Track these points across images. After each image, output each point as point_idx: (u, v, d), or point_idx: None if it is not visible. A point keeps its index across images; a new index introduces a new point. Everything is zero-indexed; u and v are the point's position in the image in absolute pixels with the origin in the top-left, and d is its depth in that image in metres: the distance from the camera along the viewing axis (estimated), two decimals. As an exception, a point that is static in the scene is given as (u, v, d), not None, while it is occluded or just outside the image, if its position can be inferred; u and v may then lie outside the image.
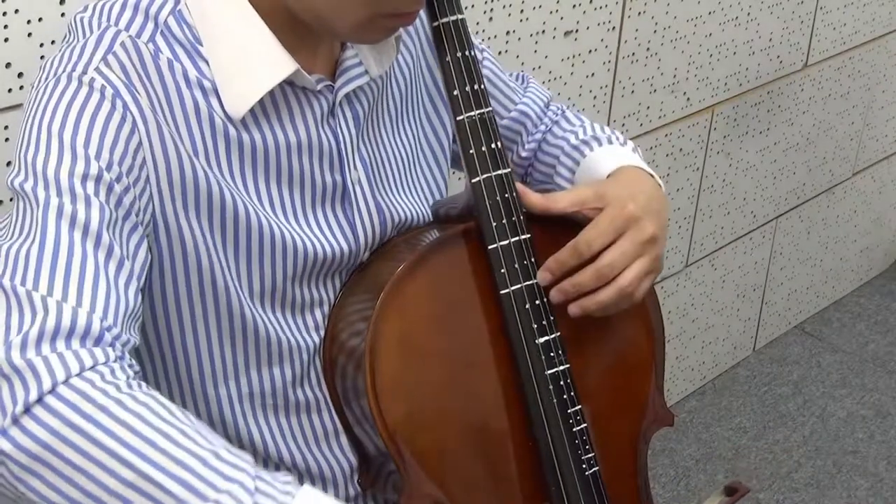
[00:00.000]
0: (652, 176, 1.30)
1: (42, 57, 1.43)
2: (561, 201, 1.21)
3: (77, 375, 0.92)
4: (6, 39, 1.40)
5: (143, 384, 0.96)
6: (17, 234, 1.01)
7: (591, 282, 1.18)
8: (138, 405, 0.93)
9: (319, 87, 1.15)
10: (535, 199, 1.20)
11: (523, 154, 1.43)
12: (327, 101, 1.17)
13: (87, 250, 0.99)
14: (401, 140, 1.28)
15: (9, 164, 1.46)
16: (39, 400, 0.91)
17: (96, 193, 1.01)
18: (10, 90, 1.43)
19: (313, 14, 1.09)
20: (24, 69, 1.43)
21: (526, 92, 1.44)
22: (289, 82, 1.13)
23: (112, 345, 0.97)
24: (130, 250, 1.04)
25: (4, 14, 1.39)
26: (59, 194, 1.00)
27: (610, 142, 1.36)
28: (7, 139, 1.44)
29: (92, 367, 0.93)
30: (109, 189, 1.02)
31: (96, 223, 1.00)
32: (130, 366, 0.97)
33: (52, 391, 0.91)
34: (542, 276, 1.19)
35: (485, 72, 1.38)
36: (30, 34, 1.42)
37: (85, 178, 1.01)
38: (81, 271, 0.98)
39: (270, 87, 1.10)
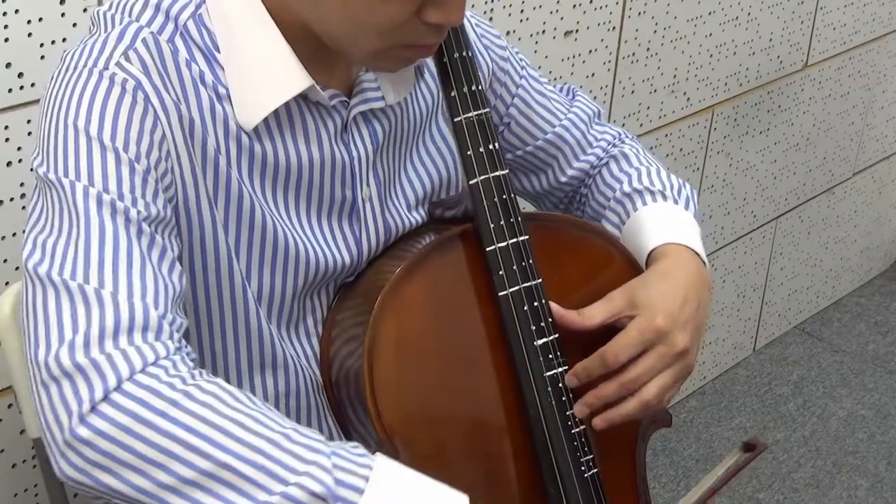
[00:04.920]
0: (697, 253, 1.28)
1: (42, 57, 1.43)
2: (596, 317, 1.21)
3: (142, 371, 0.94)
4: (6, 39, 1.40)
5: (205, 372, 0.98)
6: (57, 226, 1.01)
7: (615, 395, 1.18)
8: (205, 395, 0.95)
9: (333, 102, 1.15)
10: (571, 319, 1.20)
11: (562, 179, 1.41)
12: (341, 118, 1.17)
13: (131, 238, 1.00)
14: (419, 161, 1.28)
15: (9, 164, 1.46)
16: (106, 398, 0.93)
17: (131, 188, 1.02)
18: (10, 90, 1.43)
19: (331, 38, 1.09)
20: (24, 69, 1.43)
21: (570, 111, 1.41)
22: (303, 96, 1.13)
23: (170, 334, 0.98)
24: (166, 239, 1.05)
25: (4, 14, 1.39)
26: (94, 184, 1.01)
27: (664, 195, 1.33)
28: (7, 139, 1.45)
29: (155, 362, 0.95)
30: (144, 181, 1.03)
31: (135, 213, 1.01)
32: (188, 354, 0.99)
33: (118, 388, 0.93)
34: (570, 381, 1.19)
35: (520, 91, 1.36)
36: (30, 34, 1.42)
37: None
38: (129, 260, 0.99)
39: (283, 101, 1.10)
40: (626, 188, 1.35)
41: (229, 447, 0.93)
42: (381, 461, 0.97)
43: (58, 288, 0.97)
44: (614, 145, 1.42)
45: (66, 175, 1.01)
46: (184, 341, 1.00)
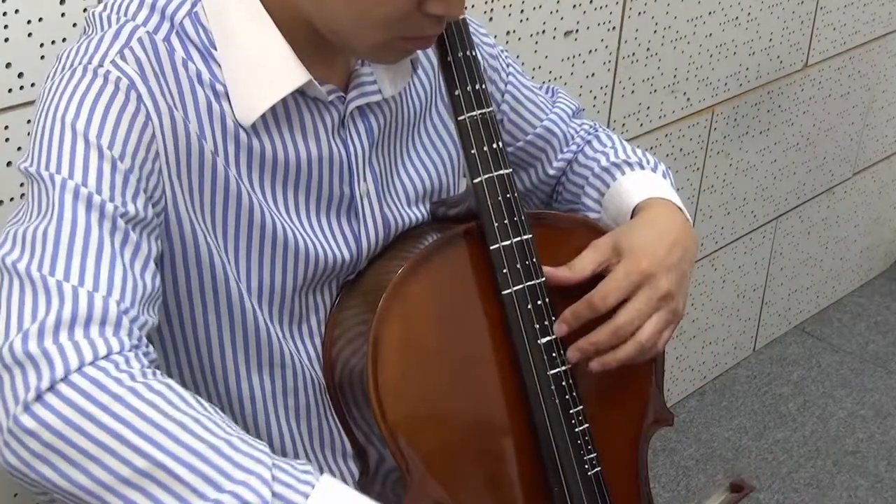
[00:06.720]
0: (680, 209, 1.30)
1: (42, 57, 1.43)
2: (587, 267, 1.22)
3: (91, 364, 0.92)
4: (6, 39, 1.40)
5: (158, 372, 0.96)
6: (32, 216, 1.00)
7: (608, 341, 1.19)
8: (152, 394, 0.93)
9: (331, 97, 1.15)
10: (564, 274, 1.21)
11: (550, 172, 1.42)
12: (338, 113, 1.16)
13: (103, 233, 0.99)
14: (415, 156, 1.28)
15: (9, 164, 1.46)
16: (51, 388, 0.91)
17: (111, 185, 1.01)
18: (10, 90, 1.43)
19: (332, 30, 1.09)
20: (24, 69, 1.43)
21: (554, 106, 1.43)
22: (300, 92, 1.13)
23: (130, 330, 0.96)
24: (143, 238, 1.03)
25: (4, 14, 1.39)
26: (72, 177, 1.00)
27: (641, 166, 1.36)
28: (7, 139, 1.44)
29: (106, 356, 0.93)
30: (125, 180, 1.02)
31: (111, 208, 1.00)
32: (146, 354, 0.97)
33: (65, 379, 0.91)
34: (559, 328, 1.19)
35: (509, 87, 1.37)
36: (30, 34, 1.42)
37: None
38: (98, 254, 0.98)
39: (281, 97, 1.10)
40: (605, 163, 1.37)
41: (168, 448, 0.90)
42: (326, 480, 0.94)
43: (22, 279, 0.96)
44: (590, 133, 1.44)
45: (47, 168, 1.01)
46: (144, 340, 0.98)
